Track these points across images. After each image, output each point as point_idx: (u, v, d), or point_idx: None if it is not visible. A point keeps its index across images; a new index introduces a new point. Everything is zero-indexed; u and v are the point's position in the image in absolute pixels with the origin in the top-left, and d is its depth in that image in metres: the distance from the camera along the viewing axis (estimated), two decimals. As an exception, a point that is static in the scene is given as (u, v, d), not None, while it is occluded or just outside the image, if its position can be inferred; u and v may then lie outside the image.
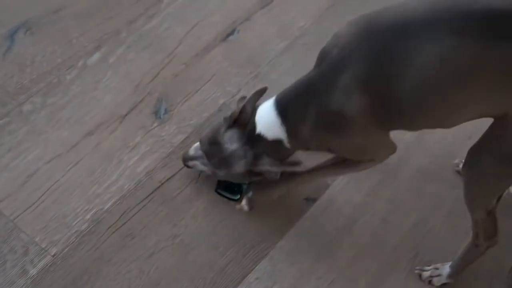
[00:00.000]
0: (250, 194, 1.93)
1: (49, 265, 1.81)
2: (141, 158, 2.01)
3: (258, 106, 1.78)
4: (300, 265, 1.90)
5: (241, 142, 1.77)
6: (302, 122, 1.68)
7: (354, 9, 2.45)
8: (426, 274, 1.90)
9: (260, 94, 1.79)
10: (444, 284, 1.89)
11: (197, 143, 1.93)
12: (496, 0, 1.45)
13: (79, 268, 1.81)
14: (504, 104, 1.51)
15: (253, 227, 1.94)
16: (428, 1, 1.51)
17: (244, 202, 1.93)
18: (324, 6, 2.45)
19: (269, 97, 2.18)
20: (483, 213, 1.70)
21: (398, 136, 1.83)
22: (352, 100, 1.57)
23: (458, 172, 2.07)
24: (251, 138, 1.76)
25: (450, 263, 1.88)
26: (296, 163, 1.77)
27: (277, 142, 1.75)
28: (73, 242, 1.85)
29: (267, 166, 1.77)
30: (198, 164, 1.92)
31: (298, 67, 2.26)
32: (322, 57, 1.63)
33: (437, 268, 1.89)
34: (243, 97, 1.82)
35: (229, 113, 1.82)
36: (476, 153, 1.62)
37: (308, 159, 1.89)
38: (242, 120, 1.77)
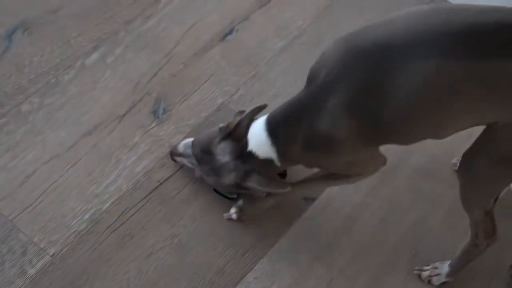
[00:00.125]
0: (240, 202, 1.92)
1: (47, 265, 1.80)
2: (140, 158, 2.01)
3: (255, 120, 1.78)
4: (299, 264, 1.90)
5: (233, 155, 1.78)
6: (292, 143, 1.70)
7: (352, 8, 2.45)
8: (425, 273, 1.90)
9: (258, 110, 1.79)
10: (443, 283, 1.90)
11: (187, 140, 1.94)
12: (472, 15, 1.45)
13: (77, 268, 1.81)
14: (492, 115, 1.53)
15: (252, 227, 1.94)
16: (407, 21, 1.51)
17: (233, 210, 1.93)
18: (322, 5, 2.45)
19: (267, 96, 2.18)
20: (481, 214, 1.71)
21: (396, 135, 1.83)
22: (339, 123, 1.59)
23: (456, 171, 2.07)
24: (243, 153, 1.77)
25: (449, 262, 1.88)
26: (284, 186, 1.78)
27: (268, 161, 1.76)
28: (71, 242, 1.84)
29: (255, 184, 1.78)
30: (186, 162, 1.93)
31: (297, 66, 2.26)
32: (311, 77, 1.65)
33: (436, 268, 1.89)
34: (242, 111, 1.82)
35: (225, 123, 1.82)
36: (470, 156, 1.63)
37: (298, 170, 1.90)
38: (237, 135, 1.78)
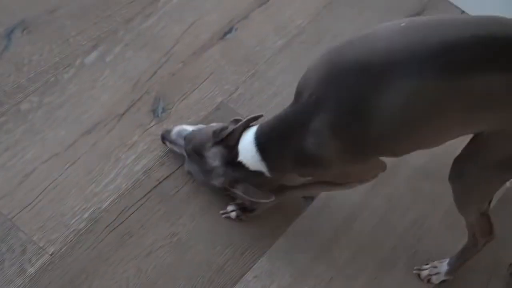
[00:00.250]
0: (239, 201, 1.92)
1: (47, 264, 1.80)
2: (139, 157, 2.00)
3: (247, 129, 1.78)
4: (298, 263, 1.90)
5: (223, 161, 1.79)
6: (281, 159, 1.71)
7: (351, 7, 2.45)
8: (424, 273, 1.90)
9: (253, 120, 1.80)
10: (443, 281, 1.90)
11: (181, 128, 1.94)
12: (448, 30, 1.45)
13: (77, 267, 1.81)
14: (477, 126, 1.53)
15: (251, 225, 1.94)
16: (386, 38, 1.50)
17: (230, 207, 1.92)
18: (322, 4, 2.44)
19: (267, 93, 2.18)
20: (477, 216, 1.72)
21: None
22: (325, 143, 1.59)
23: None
24: (234, 162, 1.77)
25: (447, 260, 1.89)
26: (269, 196, 1.80)
27: (258, 172, 1.77)
28: (71, 241, 1.84)
29: (240, 192, 1.79)
30: (176, 149, 1.95)
31: (296, 65, 2.26)
32: (298, 93, 1.65)
33: (435, 266, 1.89)
34: (237, 120, 1.82)
35: (219, 126, 1.82)
36: (460, 164, 1.65)
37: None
38: (229, 143, 1.78)
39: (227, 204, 1.94)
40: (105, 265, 1.82)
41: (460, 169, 1.65)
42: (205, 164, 1.81)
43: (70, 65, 2.14)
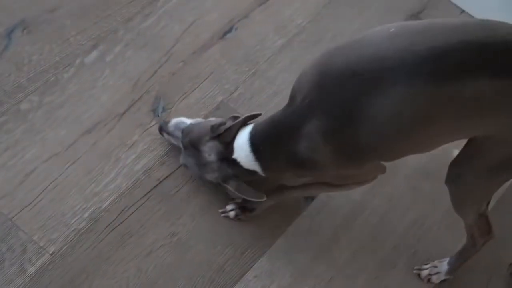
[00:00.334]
0: (238, 201, 1.92)
1: (47, 263, 1.80)
2: (139, 157, 2.01)
3: (244, 127, 1.79)
4: (298, 263, 1.90)
5: (219, 157, 1.79)
6: (275, 160, 1.72)
7: (351, 7, 2.45)
8: (424, 272, 1.90)
9: (251, 118, 1.81)
10: (443, 281, 1.90)
11: (179, 120, 1.95)
12: (436, 35, 1.44)
13: (77, 267, 1.81)
14: (470, 131, 1.54)
15: (251, 225, 1.94)
16: (375, 44, 1.49)
17: (229, 207, 1.93)
18: (322, 3, 2.44)
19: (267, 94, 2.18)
20: (475, 218, 1.73)
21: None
22: (317, 148, 1.60)
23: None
24: (229, 159, 1.78)
25: (447, 259, 1.89)
26: (260, 196, 1.81)
27: (252, 171, 1.78)
28: (71, 241, 1.84)
29: (232, 189, 1.80)
30: (172, 141, 1.96)
31: (296, 64, 2.26)
32: (292, 96, 1.66)
33: (435, 266, 1.90)
34: (236, 116, 1.83)
35: (218, 121, 1.82)
36: (456, 168, 1.66)
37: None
38: (225, 139, 1.78)
39: (226, 204, 1.95)
40: (105, 264, 1.82)
41: (456, 173, 1.65)
42: (201, 157, 1.82)
43: (70, 64, 2.14)
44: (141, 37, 2.23)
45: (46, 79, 2.09)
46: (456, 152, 1.67)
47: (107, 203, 1.91)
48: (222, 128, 1.78)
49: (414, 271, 1.92)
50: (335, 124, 1.53)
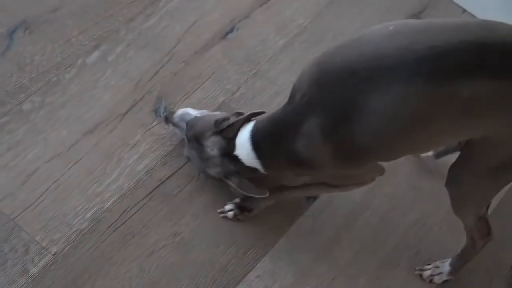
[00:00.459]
0: (237, 200, 1.93)
1: (49, 264, 1.80)
2: (141, 157, 2.01)
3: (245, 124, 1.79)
4: (300, 263, 1.91)
5: (221, 152, 1.80)
6: (276, 158, 1.73)
7: (352, 6, 2.45)
8: (427, 273, 1.91)
9: (254, 115, 1.80)
10: (445, 281, 1.90)
11: (185, 112, 1.95)
12: (437, 35, 1.44)
13: (79, 267, 1.81)
14: (467, 132, 1.54)
15: (254, 225, 1.94)
16: (374, 43, 1.49)
17: (228, 207, 1.93)
18: (323, 3, 2.44)
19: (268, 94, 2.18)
20: (475, 220, 1.73)
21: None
22: (316, 147, 1.60)
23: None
24: (231, 155, 1.78)
25: (449, 260, 1.89)
26: (262, 192, 1.81)
27: (254, 168, 1.78)
28: (73, 241, 1.85)
29: (234, 185, 1.80)
30: (177, 132, 1.97)
31: (297, 64, 2.26)
32: (292, 94, 1.66)
33: (437, 267, 1.90)
34: (239, 113, 1.83)
35: (222, 116, 1.83)
36: (455, 171, 1.66)
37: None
38: (227, 134, 1.78)
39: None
40: (107, 264, 1.83)
41: (455, 175, 1.65)
42: (203, 152, 1.82)
43: (72, 65, 2.14)
44: (142, 37, 2.23)
45: (48, 80, 2.09)
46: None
47: (109, 204, 1.92)
48: (225, 124, 1.78)
49: (416, 272, 1.92)
50: (334, 122, 1.53)
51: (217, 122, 1.81)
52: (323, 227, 1.97)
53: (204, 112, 1.96)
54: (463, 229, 1.80)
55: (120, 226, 1.89)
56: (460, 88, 1.41)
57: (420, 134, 1.51)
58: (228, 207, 1.93)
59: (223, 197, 1.95)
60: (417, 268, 1.92)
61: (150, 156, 2.01)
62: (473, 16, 2.50)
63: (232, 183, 1.80)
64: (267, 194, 1.81)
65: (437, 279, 1.90)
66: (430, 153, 2.05)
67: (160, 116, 2.08)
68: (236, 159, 1.78)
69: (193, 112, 1.95)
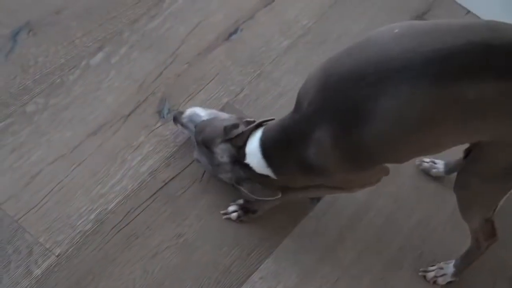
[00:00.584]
0: (240, 201, 1.93)
1: (53, 265, 1.81)
2: (145, 158, 2.01)
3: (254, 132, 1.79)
4: (304, 264, 1.90)
5: (231, 159, 1.79)
6: (286, 166, 1.72)
7: (356, 7, 2.45)
8: (430, 274, 1.90)
9: (264, 123, 1.80)
10: (449, 283, 1.90)
11: (193, 112, 1.94)
12: (443, 36, 1.44)
13: (83, 268, 1.81)
14: (474, 135, 1.52)
15: (257, 226, 1.94)
16: (380, 45, 1.49)
17: (231, 208, 1.92)
18: (327, 4, 2.44)
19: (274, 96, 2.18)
20: (481, 222, 1.72)
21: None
22: (326, 153, 1.59)
23: (423, 170, 2.09)
24: (241, 162, 1.78)
25: (453, 261, 1.89)
26: (275, 194, 1.80)
27: (265, 175, 1.78)
28: (77, 242, 1.85)
29: (247, 191, 1.80)
30: (186, 133, 1.97)
31: (301, 65, 2.26)
32: (298, 102, 1.65)
33: (441, 268, 1.90)
34: (249, 121, 1.82)
35: (232, 121, 1.82)
36: (463, 175, 1.66)
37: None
38: (237, 143, 1.78)
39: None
40: (111, 266, 1.83)
41: (464, 180, 1.65)
42: (213, 158, 1.82)
43: (76, 66, 2.14)
44: (146, 38, 2.23)
45: (51, 81, 2.10)
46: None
47: (113, 205, 1.92)
48: (235, 132, 1.78)
49: (420, 273, 1.91)
50: (343, 127, 1.53)
51: (227, 129, 1.80)
52: (327, 228, 1.97)
53: (213, 112, 1.95)
54: (467, 230, 1.80)
55: (123, 227, 1.89)
56: (466, 90, 1.41)
57: (427, 136, 1.50)
58: (231, 208, 1.93)
59: (227, 198, 1.95)
60: (421, 269, 1.92)
61: (154, 158, 2.01)
62: (477, 16, 2.50)
63: (245, 189, 1.80)
64: (280, 195, 1.80)
65: (441, 281, 1.89)
66: (441, 170, 2.05)
67: (163, 117, 2.08)
68: (247, 167, 1.78)
69: (201, 113, 1.94)
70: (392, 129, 1.49)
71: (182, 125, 1.96)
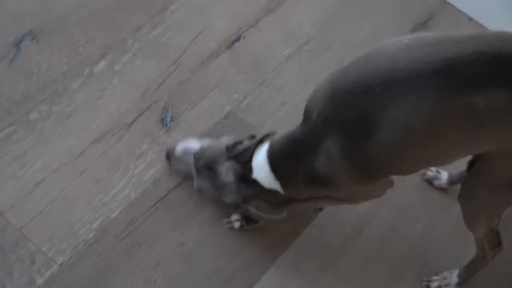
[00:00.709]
0: (243, 211, 1.92)
1: (56, 274, 1.80)
2: (148, 166, 2.01)
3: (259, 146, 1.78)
4: (307, 274, 1.90)
5: (237, 177, 1.78)
6: (294, 178, 1.71)
7: (360, 14, 2.45)
8: (434, 284, 1.90)
9: (268, 137, 1.79)
10: (452, 293, 1.90)
11: (187, 145, 1.91)
12: (450, 47, 1.43)
13: (85, 277, 1.81)
14: (481, 146, 1.52)
15: (260, 235, 1.94)
16: (387, 57, 1.49)
17: (234, 217, 1.92)
18: (330, 11, 2.44)
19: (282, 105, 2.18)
20: (486, 232, 1.72)
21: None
22: (335, 164, 1.59)
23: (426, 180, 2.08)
24: (248, 179, 1.77)
25: (457, 271, 1.88)
26: (281, 212, 1.80)
27: (273, 190, 1.76)
28: (79, 251, 1.85)
29: (254, 209, 1.79)
30: (181, 168, 1.94)
31: (304, 73, 2.26)
32: (306, 114, 1.65)
33: (445, 278, 1.89)
34: (252, 136, 1.81)
35: (231, 141, 1.81)
36: (468, 185, 1.66)
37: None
38: (242, 159, 1.77)
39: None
40: (114, 275, 1.83)
41: (469, 190, 1.65)
42: (218, 180, 1.80)
43: (79, 74, 2.14)
44: (149, 46, 2.23)
45: (55, 89, 2.10)
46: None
47: (115, 214, 1.91)
48: (240, 148, 1.78)
49: (424, 283, 1.91)
50: (352, 139, 1.52)
51: (229, 147, 1.80)
52: (329, 238, 1.96)
53: (207, 141, 1.91)
54: (472, 240, 1.79)
55: (126, 236, 1.88)
56: (474, 100, 1.40)
57: (435, 147, 1.50)
58: (234, 217, 1.92)
59: (229, 207, 1.95)
60: (424, 279, 1.91)
61: (157, 166, 2.01)
62: (480, 24, 2.49)
63: (252, 207, 1.79)
64: (286, 214, 1.80)
65: (445, 290, 1.89)
66: (444, 181, 2.05)
67: (166, 125, 2.08)
68: (254, 183, 1.76)
69: (195, 144, 1.91)
70: (401, 139, 1.48)
71: (176, 159, 1.93)
